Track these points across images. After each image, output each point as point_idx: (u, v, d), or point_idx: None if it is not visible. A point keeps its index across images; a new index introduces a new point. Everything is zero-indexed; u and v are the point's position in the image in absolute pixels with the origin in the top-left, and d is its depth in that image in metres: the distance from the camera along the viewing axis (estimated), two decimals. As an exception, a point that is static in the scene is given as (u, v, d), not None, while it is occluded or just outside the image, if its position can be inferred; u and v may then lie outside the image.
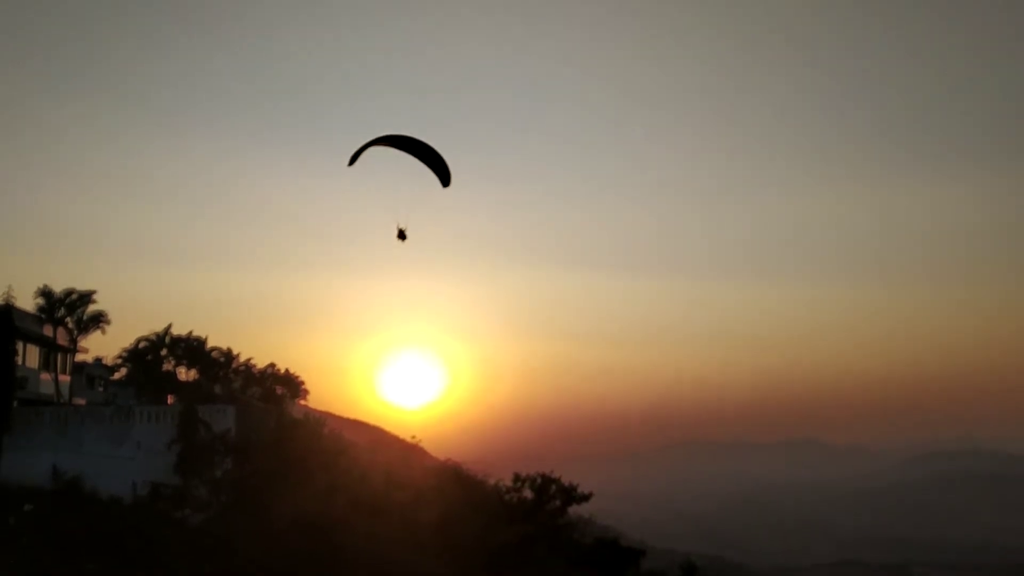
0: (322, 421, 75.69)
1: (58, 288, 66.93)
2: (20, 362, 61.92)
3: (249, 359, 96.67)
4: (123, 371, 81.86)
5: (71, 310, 67.42)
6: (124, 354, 78.44)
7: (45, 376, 67.26)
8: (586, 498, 70.12)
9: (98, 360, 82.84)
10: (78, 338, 69.22)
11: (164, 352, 79.25)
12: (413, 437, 79.98)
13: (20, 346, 62.43)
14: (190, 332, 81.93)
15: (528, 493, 68.76)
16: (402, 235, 27.12)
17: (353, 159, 26.23)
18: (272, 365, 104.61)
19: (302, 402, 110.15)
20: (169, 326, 79.57)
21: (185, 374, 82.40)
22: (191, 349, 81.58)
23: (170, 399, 77.86)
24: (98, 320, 68.90)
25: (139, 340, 77.82)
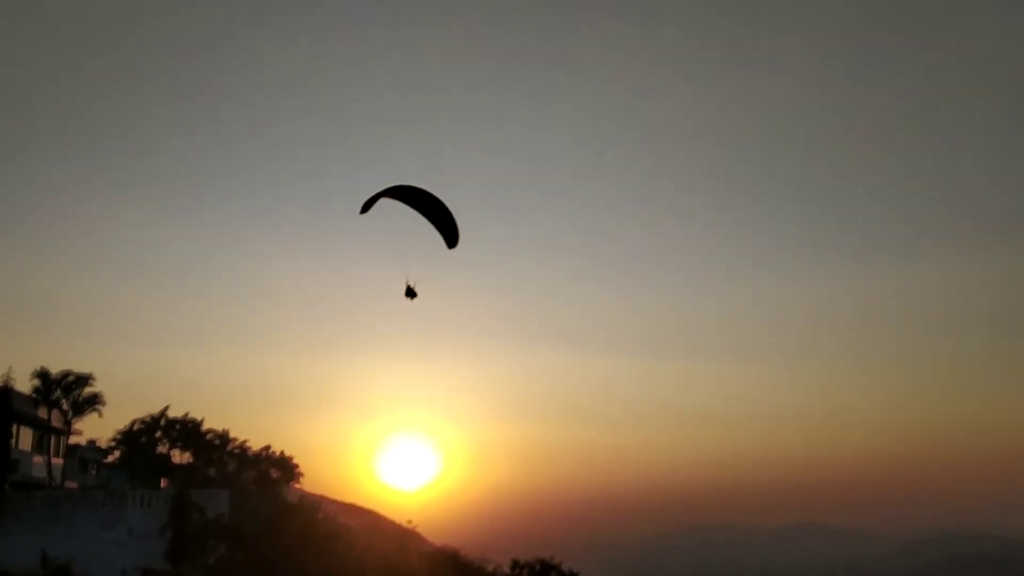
0: (317, 506, 74.43)
1: (55, 369, 66.64)
2: (13, 444, 61.34)
3: (244, 441, 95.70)
4: (117, 454, 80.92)
5: (67, 392, 67.05)
6: (118, 436, 77.69)
7: (38, 459, 66.52)
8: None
9: (92, 443, 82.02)
10: (73, 420, 68.68)
11: (159, 434, 78.53)
12: (409, 522, 78.66)
13: (14, 428, 61.96)
14: (186, 414, 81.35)
15: (527, 580, 67.39)
16: (411, 293, 25.98)
17: (366, 207, 25.47)
18: (267, 447, 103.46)
19: (297, 485, 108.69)
20: (165, 408, 79.08)
21: (179, 457, 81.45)
22: (186, 431, 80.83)
23: (164, 482, 76.82)
24: (94, 402, 68.47)
25: (134, 422, 77.23)
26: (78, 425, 70.02)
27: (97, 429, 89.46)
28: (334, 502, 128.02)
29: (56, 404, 66.70)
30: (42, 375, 65.85)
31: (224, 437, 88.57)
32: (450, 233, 26.52)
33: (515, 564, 68.29)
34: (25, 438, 64.54)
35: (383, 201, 25.61)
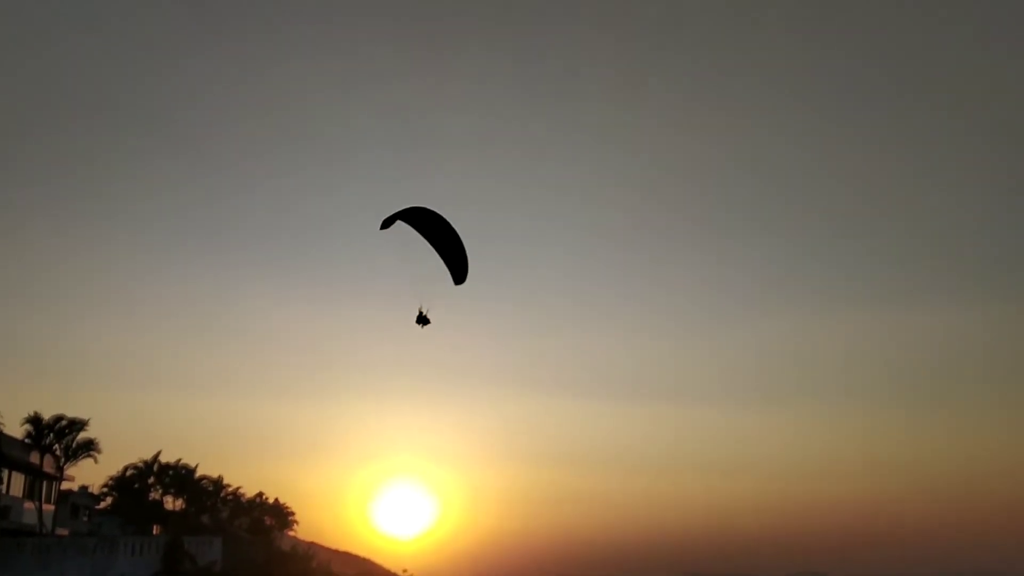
0: (311, 555, 73.78)
1: (48, 414, 66.00)
2: (4, 490, 60.59)
3: (238, 488, 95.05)
4: (109, 500, 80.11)
5: (60, 437, 66.33)
6: (111, 482, 77.01)
7: (29, 505, 65.67)
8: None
9: (84, 489, 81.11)
10: (65, 466, 67.90)
11: (152, 480, 77.87)
12: (405, 571, 77.86)
13: (5, 474, 61.24)
14: (179, 460, 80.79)
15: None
16: (423, 320, 25.23)
17: (385, 224, 24.97)
18: (261, 494, 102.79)
19: (291, 532, 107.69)
20: (158, 453, 78.54)
21: (172, 503, 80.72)
22: (179, 477, 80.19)
23: (156, 529, 75.92)
24: (88, 448, 67.66)
25: (127, 468, 76.64)
26: (71, 471, 69.21)
27: (90, 475, 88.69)
28: (328, 550, 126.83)
29: (49, 449, 65.96)
30: (34, 420, 65.16)
31: (217, 483, 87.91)
32: (459, 269, 25.87)
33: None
34: (16, 484, 63.76)
35: (399, 224, 25.00)
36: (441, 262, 25.75)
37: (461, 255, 25.67)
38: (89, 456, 67.64)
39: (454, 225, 25.45)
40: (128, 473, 76.51)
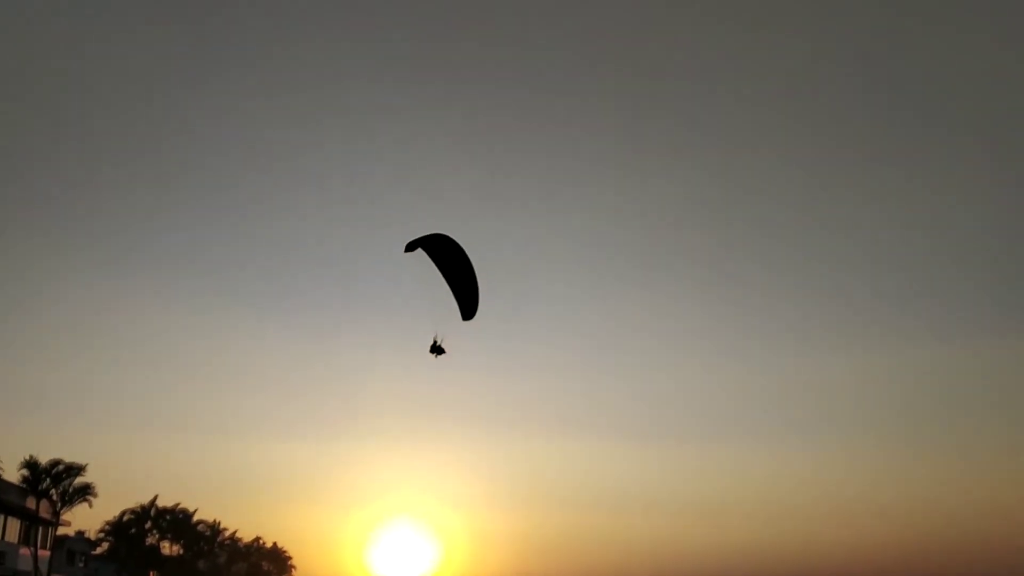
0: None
1: (44, 458, 65.83)
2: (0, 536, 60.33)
3: (235, 532, 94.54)
4: (105, 545, 79.65)
5: (56, 482, 66.13)
6: (107, 527, 76.66)
7: (24, 551, 65.32)
8: None
9: (80, 534, 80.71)
10: (62, 511, 67.61)
11: (149, 525, 77.53)
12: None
13: (1, 519, 61.00)
14: (176, 504, 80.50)
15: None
16: (438, 349, 24.97)
17: (409, 247, 24.75)
18: (258, 539, 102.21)
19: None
20: (155, 498, 78.30)
21: (170, 548, 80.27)
22: (176, 522, 79.86)
23: (153, 575, 75.39)
24: (85, 492, 67.41)
25: (124, 513, 76.36)
26: (67, 515, 68.91)
27: (86, 519, 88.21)
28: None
29: (45, 494, 65.73)
30: (31, 465, 65.04)
31: (215, 528, 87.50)
32: (469, 304, 25.52)
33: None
34: (12, 529, 63.50)
35: (418, 251, 24.72)
36: (451, 295, 25.50)
37: (473, 291, 25.38)
38: (85, 500, 67.42)
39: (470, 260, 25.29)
40: (125, 518, 76.22)
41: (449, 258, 25.11)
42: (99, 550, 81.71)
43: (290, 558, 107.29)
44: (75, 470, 66.74)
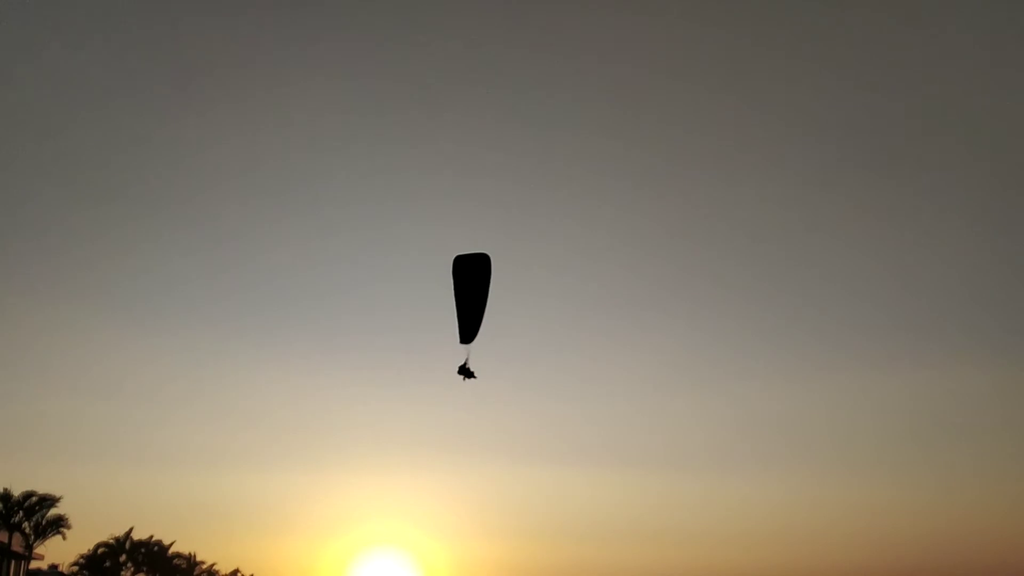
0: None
1: (17, 490, 64.87)
2: (-30, 570, 59.23)
3: (212, 565, 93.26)
4: (79, 579, 78.37)
5: (30, 514, 65.17)
6: (81, 561, 75.42)
7: (-5, 585, 64.21)
8: None
9: (53, 567, 79.41)
10: (35, 544, 66.55)
11: (123, 558, 76.42)
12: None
13: (-28, 553, 59.98)
14: (151, 536, 79.39)
15: None
16: (467, 372, 24.72)
17: (463, 261, 24.80)
18: (237, 571, 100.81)
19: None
20: (130, 530, 77.28)
21: (145, 582, 79.10)
22: (152, 555, 78.79)
23: (127, 609, 74.25)
24: (58, 525, 66.45)
25: (98, 546, 75.18)
26: (39, 548, 67.84)
27: (59, 552, 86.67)
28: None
29: (18, 527, 64.72)
30: (3, 497, 64.15)
31: (191, 560, 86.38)
32: (473, 328, 25.29)
33: None
34: (-17, 563, 62.43)
35: (443, 266, 24.44)
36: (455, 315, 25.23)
37: (480, 315, 25.26)
38: (59, 533, 66.47)
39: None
40: (99, 551, 75.09)
41: (481, 279, 25.07)
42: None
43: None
44: (48, 502, 65.84)
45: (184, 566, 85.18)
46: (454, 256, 25.19)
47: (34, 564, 71.87)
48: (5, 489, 64.42)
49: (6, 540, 64.16)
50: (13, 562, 66.81)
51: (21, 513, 64.84)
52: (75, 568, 76.60)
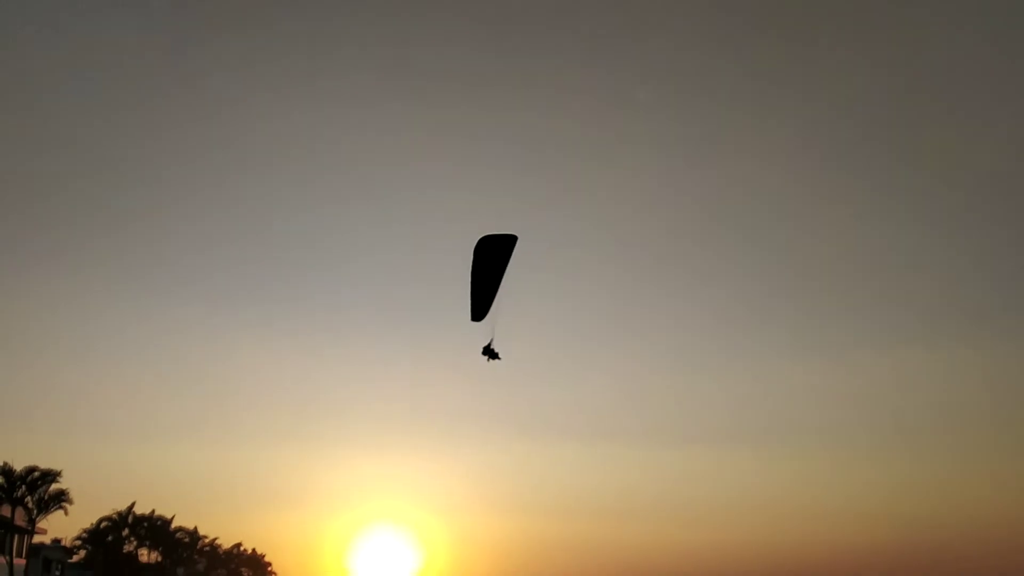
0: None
1: (19, 465, 64.90)
2: (-27, 545, 59.39)
3: (215, 539, 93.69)
4: (82, 553, 78.60)
5: (32, 489, 65.22)
6: (84, 535, 75.60)
7: (-1, 559, 64.39)
8: None
9: (56, 542, 79.61)
10: (37, 518, 66.67)
11: (126, 532, 76.60)
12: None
13: (-26, 527, 60.11)
14: (153, 511, 79.57)
15: None
16: (491, 353, 24.47)
17: (494, 239, 24.35)
18: (239, 545, 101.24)
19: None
20: (132, 505, 77.38)
21: (148, 556, 79.38)
22: (154, 529, 78.96)
23: (130, 583, 74.57)
24: (60, 499, 66.50)
25: (100, 520, 75.34)
26: (42, 523, 67.97)
27: (62, 527, 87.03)
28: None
29: (20, 502, 64.79)
30: (5, 472, 64.12)
31: (193, 535, 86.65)
32: (485, 307, 24.96)
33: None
34: (-14, 538, 62.56)
35: (466, 245, 24.05)
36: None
37: (493, 295, 24.94)
38: (60, 508, 66.55)
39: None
40: (102, 525, 75.24)
41: (502, 259, 24.68)
42: (76, 558, 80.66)
43: (269, 564, 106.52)
44: (50, 477, 65.86)
45: (186, 540, 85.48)
46: (480, 237, 24.63)
47: (37, 538, 72.07)
48: (7, 464, 64.44)
49: (9, 515, 64.29)
50: (16, 536, 66.97)
51: (23, 488, 64.91)
52: (78, 542, 76.85)
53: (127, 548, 77.03)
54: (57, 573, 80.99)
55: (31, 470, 65.20)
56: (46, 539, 76.32)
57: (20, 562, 67.62)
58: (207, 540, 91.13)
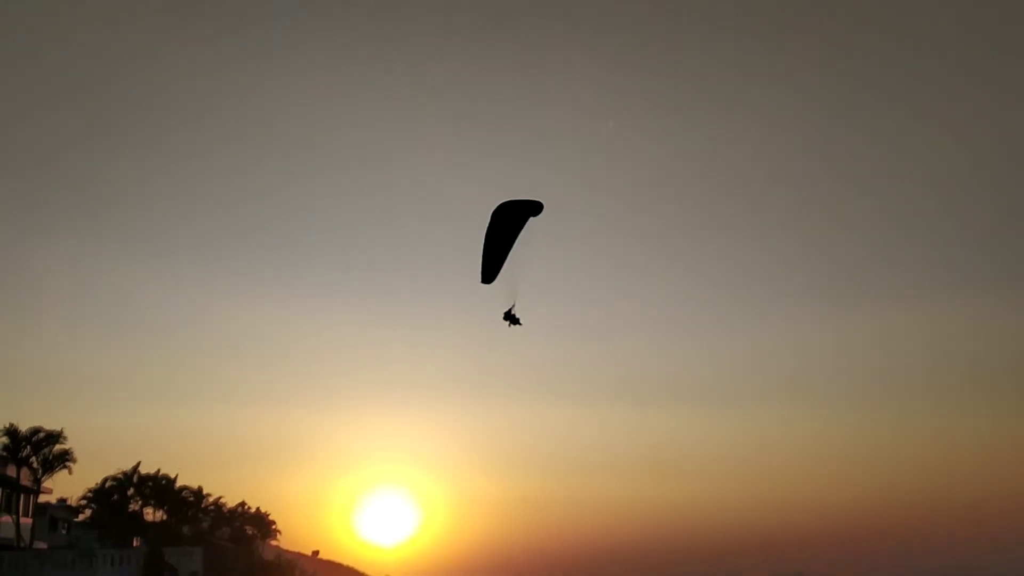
0: (294, 563, 73.19)
1: (24, 426, 65.16)
2: (-20, 504, 59.83)
3: (219, 498, 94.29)
4: (88, 512, 79.13)
5: (37, 449, 65.56)
6: (89, 494, 76.02)
7: (6, 519, 64.87)
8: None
9: (62, 501, 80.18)
10: (42, 478, 67.12)
11: (131, 492, 77.00)
12: (387, 577, 77.21)
13: (-19, 488, 60.50)
14: (158, 470, 79.90)
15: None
16: (512, 319, 24.05)
17: (516, 205, 24.07)
18: (243, 504, 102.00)
19: (274, 542, 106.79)
20: (137, 464, 77.66)
21: (152, 514, 79.90)
22: (159, 488, 79.34)
23: (136, 541, 75.14)
24: (64, 459, 66.90)
25: (106, 480, 75.70)
26: (48, 483, 68.42)
27: (68, 487, 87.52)
28: (312, 559, 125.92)
29: (25, 462, 65.16)
30: (10, 432, 64.35)
31: (198, 494, 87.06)
32: (495, 270, 24.58)
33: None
34: (-8, 498, 63.01)
35: (483, 208, 23.64)
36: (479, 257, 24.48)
37: (502, 258, 24.49)
38: (65, 467, 66.94)
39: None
40: (107, 484, 75.61)
41: (516, 224, 24.24)
42: (82, 517, 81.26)
43: (273, 522, 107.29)
44: (54, 437, 66.18)
45: (191, 499, 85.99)
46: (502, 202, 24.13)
47: (43, 498, 72.55)
48: (12, 424, 64.69)
49: (15, 475, 64.66)
50: (22, 496, 67.45)
51: (29, 448, 65.25)
52: (83, 502, 77.32)
53: (132, 507, 77.46)
54: (63, 531, 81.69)
55: (35, 431, 65.46)
56: (52, 499, 76.87)
57: (27, 521, 68.17)
58: (211, 499, 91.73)
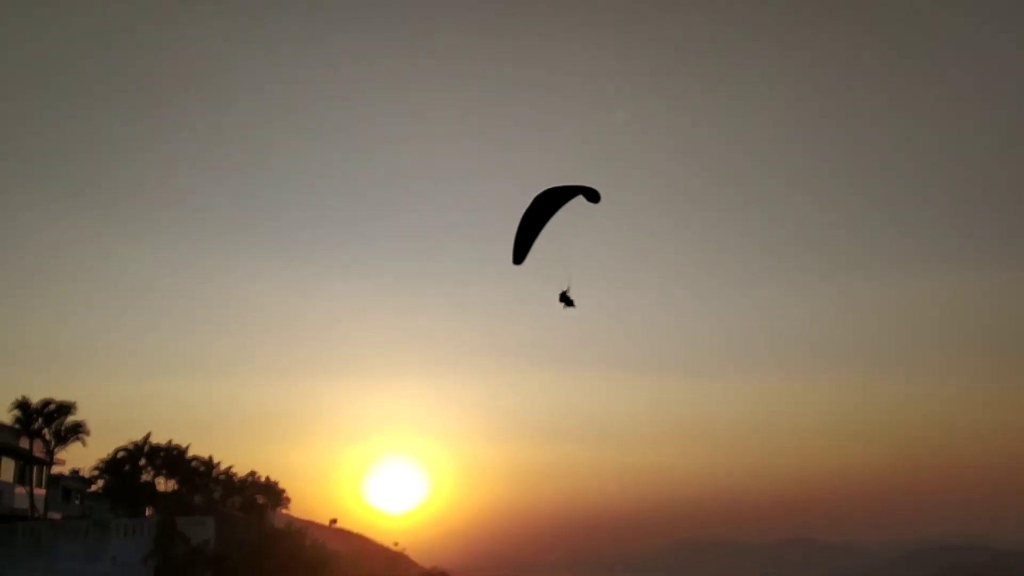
0: (304, 531, 73.93)
1: (36, 398, 65.82)
2: (-5, 476, 60.58)
3: (230, 467, 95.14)
4: (100, 483, 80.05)
5: (49, 421, 66.27)
6: (101, 465, 76.89)
7: (20, 490, 65.71)
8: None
9: (75, 472, 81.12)
10: (55, 450, 67.88)
11: (142, 462, 77.83)
12: (396, 544, 78.33)
13: (-5, 459, 61.25)
14: (169, 441, 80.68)
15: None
16: (567, 300, 23.41)
17: (554, 193, 24.05)
18: (253, 473, 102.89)
19: (284, 511, 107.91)
20: (148, 435, 78.40)
21: (164, 484, 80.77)
22: (170, 458, 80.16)
23: (148, 511, 76.09)
24: (76, 431, 67.64)
25: (117, 451, 76.50)
26: (60, 454, 69.25)
27: (80, 458, 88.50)
28: (321, 527, 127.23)
29: (38, 434, 65.93)
30: (23, 405, 65.06)
31: (209, 464, 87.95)
32: (525, 251, 24.22)
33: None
34: (7, 469, 63.77)
35: (526, 190, 23.48)
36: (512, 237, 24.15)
37: (531, 240, 23.99)
38: (78, 439, 67.70)
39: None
40: (119, 455, 76.44)
41: (553, 208, 23.72)
42: (94, 487, 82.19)
43: (284, 491, 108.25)
44: (66, 409, 66.84)
45: (202, 469, 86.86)
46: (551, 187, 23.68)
47: (56, 469, 73.38)
48: (24, 397, 65.31)
49: (28, 447, 65.42)
50: (35, 467, 68.28)
51: (41, 421, 65.94)
52: (96, 472, 78.21)
53: (144, 477, 78.36)
54: (76, 502, 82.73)
55: (47, 403, 66.12)
56: (65, 470, 77.75)
57: (40, 492, 69.06)
58: (222, 468, 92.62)
